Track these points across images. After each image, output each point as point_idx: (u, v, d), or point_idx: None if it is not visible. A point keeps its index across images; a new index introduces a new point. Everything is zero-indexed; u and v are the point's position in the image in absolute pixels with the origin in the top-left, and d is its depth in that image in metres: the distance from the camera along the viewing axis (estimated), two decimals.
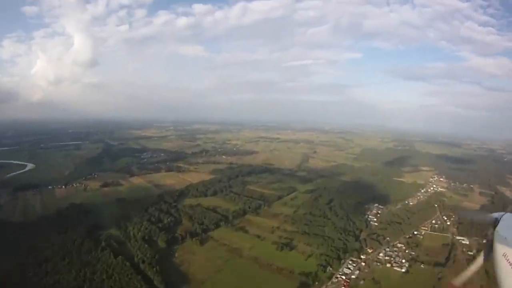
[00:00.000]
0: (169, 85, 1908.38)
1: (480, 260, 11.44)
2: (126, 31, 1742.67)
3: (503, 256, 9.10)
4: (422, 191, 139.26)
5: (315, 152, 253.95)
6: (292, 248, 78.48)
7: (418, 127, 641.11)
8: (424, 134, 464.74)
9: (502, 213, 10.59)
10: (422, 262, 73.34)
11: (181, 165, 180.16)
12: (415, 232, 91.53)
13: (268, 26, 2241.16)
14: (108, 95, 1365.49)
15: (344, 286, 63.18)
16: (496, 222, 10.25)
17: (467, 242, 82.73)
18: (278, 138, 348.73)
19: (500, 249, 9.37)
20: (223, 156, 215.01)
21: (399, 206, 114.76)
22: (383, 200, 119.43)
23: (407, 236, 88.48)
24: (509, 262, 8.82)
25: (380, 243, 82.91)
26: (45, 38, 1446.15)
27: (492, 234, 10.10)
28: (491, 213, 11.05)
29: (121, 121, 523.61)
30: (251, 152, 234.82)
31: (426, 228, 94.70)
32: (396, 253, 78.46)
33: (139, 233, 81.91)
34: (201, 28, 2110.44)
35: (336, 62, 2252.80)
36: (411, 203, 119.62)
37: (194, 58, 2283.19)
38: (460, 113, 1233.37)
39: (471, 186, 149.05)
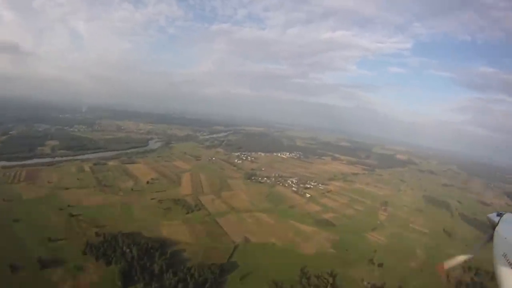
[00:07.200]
0: (153, 68, 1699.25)
1: (473, 251, 11.42)
2: None
3: (503, 256, 8.89)
4: None
5: None
6: None
7: (443, 147, 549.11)
8: (472, 161, 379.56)
9: (499, 213, 10.47)
10: None
11: None
12: None
13: None
14: (74, 75, 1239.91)
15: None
16: (495, 223, 10.26)
17: None
18: None
19: (500, 249, 9.20)
20: None
21: None
22: None
23: None
24: (509, 262, 8.60)
25: None
26: None
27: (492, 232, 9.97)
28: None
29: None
30: None
31: None
32: None
33: None
34: None
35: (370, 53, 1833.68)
36: None
37: (179, 27, 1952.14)
38: (488, 135, 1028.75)
39: None
